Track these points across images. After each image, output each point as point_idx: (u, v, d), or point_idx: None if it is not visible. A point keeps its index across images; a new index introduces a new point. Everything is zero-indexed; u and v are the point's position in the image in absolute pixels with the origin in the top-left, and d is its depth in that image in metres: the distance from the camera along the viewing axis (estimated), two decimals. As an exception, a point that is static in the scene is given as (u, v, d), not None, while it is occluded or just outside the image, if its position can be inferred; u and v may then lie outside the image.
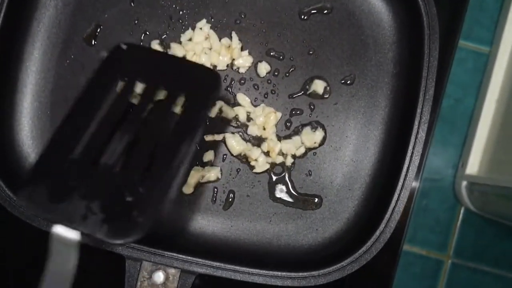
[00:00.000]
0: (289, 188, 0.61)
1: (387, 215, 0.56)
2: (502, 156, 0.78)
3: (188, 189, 0.60)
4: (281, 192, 0.61)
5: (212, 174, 0.60)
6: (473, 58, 0.86)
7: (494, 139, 0.81)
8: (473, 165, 0.82)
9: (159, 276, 0.55)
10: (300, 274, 0.56)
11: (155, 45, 0.61)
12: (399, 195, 0.56)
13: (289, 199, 0.61)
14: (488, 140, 0.81)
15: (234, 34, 0.61)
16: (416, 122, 0.57)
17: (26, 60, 0.60)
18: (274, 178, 0.61)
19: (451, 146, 0.86)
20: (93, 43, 0.61)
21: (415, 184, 0.66)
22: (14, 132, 0.59)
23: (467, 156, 0.82)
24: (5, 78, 0.59)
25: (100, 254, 0.57)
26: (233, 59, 0.61)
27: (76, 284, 0.66)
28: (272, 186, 0.61)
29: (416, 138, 0.57)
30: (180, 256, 0.55)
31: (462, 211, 0.86)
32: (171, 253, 0.55)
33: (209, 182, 0.61)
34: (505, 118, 0.80)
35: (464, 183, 0.82)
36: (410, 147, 0.57)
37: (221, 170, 0.61)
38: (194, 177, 0.60)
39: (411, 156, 0.57)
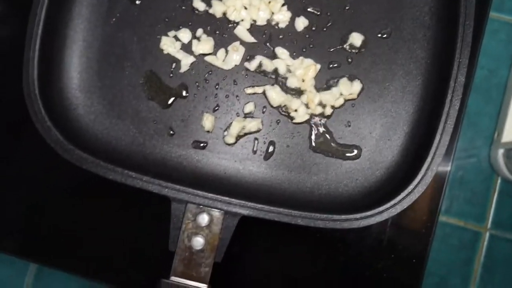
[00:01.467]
0: (328, 139, 0.62)
1: (428, 159, 0.56)
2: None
3: (230, 139, 0.62)
4: (320, 142, 0.62)
5: (254, 124, 0.62)
6: (506, 29, 0.86)
7: (529, 108, 0.80)
8: (509, 133, 0.81)
9: (204, 218, 0.56)
10: (343, 216, 0.56)
11: (198, 3, 0.63)
12: (439, 139, 0.56)
13: (329, 150, 0.62)
14: (524, 109, 0.81)
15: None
16: (455, 67, 0.57)
17: (75, 18, 0.63)
18: (314, 128, 0.62)
19: (486, 116, 0.86)
20: (137, 2, 0.64)
21: (448, 159, 0.67)
22: (64, 85, 0.62)
23: (502, 125, 0.82)
24: (56, 35, 0.62)
25: (145, 197, 0.59)
26: (273, 14, 0.63)
27: (123, 228, 0.68)
28: (311, 137, 0.62)
29: (455, 82, 0.57)
30: (224, 198, 0.56)
31: (499, 181, 0.85)
32: (214, 195, 0.56)
33: (250, 133, 0.62)
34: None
35: (501, 151, 0.82)
36: (450, 91, 0.57)
37: (262, 121, 0.62)
38: (236, 127, 0.61)
39: (451, 100, 0.57)
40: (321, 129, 0.62)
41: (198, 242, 0.56)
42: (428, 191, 0.65)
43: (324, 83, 0.63)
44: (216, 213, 0.56)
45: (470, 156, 0.86)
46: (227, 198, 0.56)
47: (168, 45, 0.62)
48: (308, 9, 0.64)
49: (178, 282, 0.56)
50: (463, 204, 0.85)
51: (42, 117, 0.57)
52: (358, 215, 0.56)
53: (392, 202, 0.56)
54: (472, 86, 0.70)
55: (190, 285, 0.56)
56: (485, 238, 0.84)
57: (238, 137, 0.62)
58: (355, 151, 0.62)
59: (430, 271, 0.82)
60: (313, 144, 0.62)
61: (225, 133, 0.62)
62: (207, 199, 0.56)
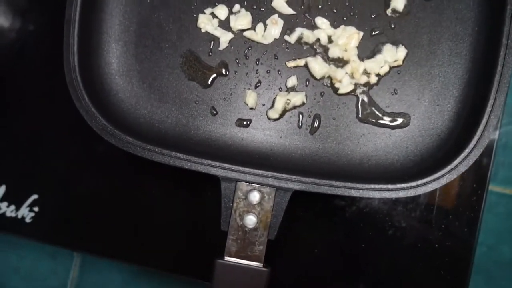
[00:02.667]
0: (375, 108, 0.60)
1: (483, 121, 0.54)
2: None
3: (274, 114, 0.60)
4: (367, 112, 0.60)
5: (298, 98, 0.60)
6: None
7: None
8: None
9: (255, 196, 0.55)
10: (398, 185, 0.54)
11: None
12: (495, 98, 0.54)
13: (376, 119, 0.60)
14: None
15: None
16: (507, 24, 0.55)
17: (110, 1, 0.62)
18: (360, 98, 0.61)
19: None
20: (171, -19, 0.63)
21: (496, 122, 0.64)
22: (103, 71, 0.61)
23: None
24: (92, 21, 0.61)
25: (195, 177, 0.58)
26: (310, -17, 0.61)
27: (175, 209, 0.67)
28: (358, 107, 0.61)
29: (508, 39, 0.55)
30: (274, 174, 0.55)
31: (546, 145, 0.82)
32: (264, 172, 0.55)
33: (295, 107, 0.61)
34: None
35: (547, 114, 0.79)
36: (503, 50, 0.55)
37: (306, 94, 0.61)
38: (280, 102, 0.60)
39: (504, 58, 0.55)
40: (367, 99, 0.61)
41: (251, 220, 0.55)
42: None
43: (367, 51, 0.61)
44: (267, 189, 0.55)
45: (513, 121, 0.83)
46: (278, 174, 0.55)
47: (206, 23, 0.61)
48: (346, -24, 0.62)
49: (233, 262, 0.55)
50: (508, 171, 0.83)
51: (86, 103, 0.56)
52: (414, 183, 0.54)
53: (449, 168, 0.55)
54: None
55: (246, 265, 0.55)
56: (534, 204, 0.82)
57: (283, 112, 0.61)
58: (404, 119, 0.60)
59: (478, 241, 0.80)
60: (360, 114, 0.61)
61: (269, 109, 0.61)
62: (258, 176, 0.55)
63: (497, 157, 0.82)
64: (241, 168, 0.55)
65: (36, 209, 0.70)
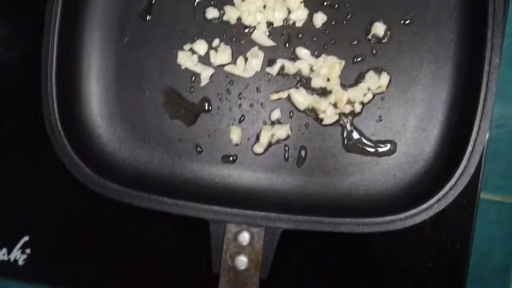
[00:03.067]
0: (361, 137, 0.60)
1: (469, 147, 0.54)
2: None
3: (259, 149, 0.60)
4: (353, 141, 0.60)
5: (283, 131, 0.60)
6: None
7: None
8: (542, 100, 0.78)
9: (244, 237, 0.55)
10: (387, 218, 0.54)
11: (211, 11, 0.61)
12: (479, 125, 0.54)
13: (363, 148, 0.60)
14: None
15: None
16: (488, 48, 0.54)
17: (87, 43, 0.61)
18: (345, 128, 0.60)
19: (515, 85, 0.82)
20: (147, 18, 0.62)
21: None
22: (84, 115, 0.60)
23: (534, 92, 0.79)
24: (70, 65, 0.60)
25: (184, 220, 0.58)
26: (289, 13, 0.60)
27: (166, 250, 0.67)
28: (343, 137, 0.60)
29: (490, 65, 0.54)
30: (264, 213, 0.55)
31: (534, 150, 0.82)
32: (252, 212, 0.55)
33: (280, 140, 0.60)
34: None
35: (534, 120, 0.79)
36: (485, 75, 0.54)
37: (290, 127, 0.60)
38: (265, 136, 0.59)
39: (487, 84, 0.54)
40: (352, 128, 0.60)
41: (242, 261, 0.55)
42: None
43: (350, 79, 0.60)
44: (257, 229, 0.55)
45: (501, 127, 0.83)
46: (266, 214, 0.55)
47: (185, 59, 0.60)
48: (325, 3, 0.61)
49: (227, 303, 0.55)
50: (499, 178, 0.83)
51: (68, 152, 0.56)
52: (403, 215, 0.54)
53: (437, 197, 0.55)
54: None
55: (240, 305, 0.55)
56: (525, 210, 0.82)
57: (268, 146, 0.60)
58: (390, 146, 0.60)
59: (471, 250, 0.80)
60: (346, 144, 0.60)
61: (254, 143, 0.60)
62: (246, 217, 0.55)
63: (487, 164, 0.82)
64: (229, 210, 0.55)
65: (28, 251, 0.70)
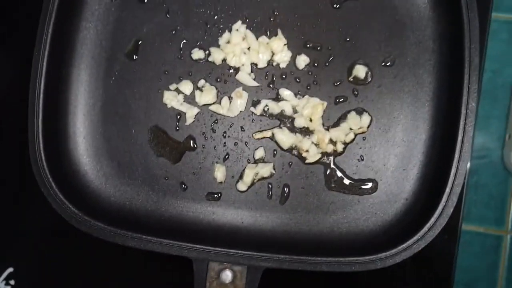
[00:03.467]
0: (343, 176, 0.61)
1: (448, 190, 0.56)
2: (550, 122, 0.76)
3: (243, 187, 0.61)
4: (335, 180, 0.61)
5: (266, 170, 0.61)
6: (506, 28, 0.85)
7: (539, 107, 0.79)
8: (521, 135, 0.80)
9: (227, 275, 0.56)
10: (368, 258, 0.55)
11: (197, 52, 0.62)
12: (457, 167, 0.56)
13: (344, 186, 0.61)
14: (533, 108, 0.80)
15: (279, 32, 0.62)
16: (465, 93, 0.56)
17: (74, 82, 0.62)
18: (327, 167, 0.61)
19: (495, 119, 0.84)
20: (134, 57, 0.63)
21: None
22: (70, 153, 0.61)
23: (513, 127, 0.81)
24: (57, 103, 0.61)
25: (167, 259, 0.58)
26: (273, 55, 0.62)
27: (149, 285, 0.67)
28: (325, 176, 0.61)
29: (467, 109, 0.56)
30: (246, 252, 0.56)
31: (515, 183, 0.84)
32: (235, 251, 0.56)
33: (263, 178, 0.61)
34: (548, 84, 0.78)
35: (514, 154, 0.81)
36: (462, 119, 0.56)
37: (274, 165, 0.61)
38: (249, 175, 0.61)
39: (465, 128, 0.56)
40: (334, 167, 0.61)
41: (225, 299, 0.56)
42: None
43: (333, 119, 0.62)
44: (239, 268, 0.56)
45: (483, 160, 0.85)
46: (248, 253, 0.56)
47: (171, 99, 0.62)
48: (308, 46, 0.62)
49: None
50: (481, 209, 0.84)
51: (54, 191, 0.56)
52: (383, 255, 0.55)
53: (416, 237, 0.56)
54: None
55: None
56: (507, 242, 0.84)
57: (252, 184, 0.61)
58: (371, 185, 0.61)
59: (455, 281, 0.81)
60: (328, 182, 0.61)
61: (238, 181, 0.61)
62: (229, 256, 0.56)
63: (470, 195, 0.83)
64: (212, 249, 0.56)
65: (12, 282, 0.70)
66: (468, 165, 0.68)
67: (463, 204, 0.70)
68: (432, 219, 0.56)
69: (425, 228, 0.56)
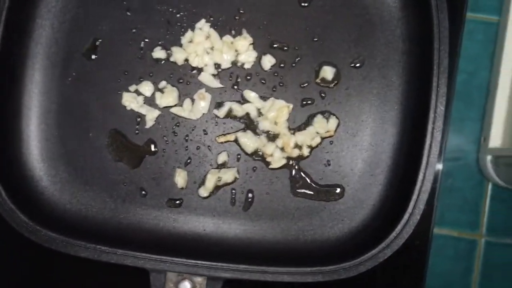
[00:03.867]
0: (309, 181, 0.59)
1: (415, 196, 0.54)
2: (525, 125, 0.75)
3: (205, 192, 0.58)
4: (301, 186, 0.59)
5: (229, 175, 0.58)
6: (482, 29, 0.83)
7: (514, 109, 0.78)
8: (496, 138, 0.79)
9: (185, 286, 0.54)
10: (331, 267, 0.53)
11: (158, 52, 0.59)
12: (424, 173, 0.54)
13: (310, 192, 0.59)
14: (509, 111, 0.78)
15: (244, 31, 0.59)
16: (434, 96, 0.54)
17: (27, 83, 0.59)
18: (293, 172, 0.59)
19: (470, 121, 0.83)
20: (92, 57, 0.60)
21: (438, 164, 0.64)
22: (23, 157, 0.58)
23: (488, 129, 0.79)
24: (9, 105, 0.58)
25: (123, 271, 0.56)
26: (237, 55, 0.59)
27: None
28: (291, 181, 0.59)
29: (435, 113, 0.54)
30: (205, 263, 0.53)
31: (489, 187, 0.82)
32: (195, 261, 0.53)
33: (227, 184, 0.59)
34: (523, 86, 0.77)
35: (489, 157, 0.79)
36: (430, 123, 0.54)
37: (237, 170, 0.59)
38: (211, 180, 0.58)
39: (432, 132, 0.54)
40: (300, 172, 0.59)
41: (183, 311, 0.53)
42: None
43: (298, 122, 0.60)
44: (199, 278, 0.54)
45: (458, 163, 0.83)
46: (208, 263, 0.53)
47: (130, 100, 0.59)
48: (274, 46, 0.60)
49: None
50: (455, 213, 0.83)
51: (3, 199, 0.53)
52: (347, 265, 0.53)
53: (383, 245, 0.54)
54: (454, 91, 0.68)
55: None
56: (481, 246, 0.82)
57: (214, 190, 0.59)
58: (338, 190, 0.59)
59: (428, 285, 0.80)
60: (293, 188, 0.59)
61: (200, 187, 0.59)
62: (187, 266, 0.53)
63: (443, 199, 0.82)
64: (169, 259, 0.53)
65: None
66: (441, 167, 0.66)
67: (435, 209, 0.68)
68: (399, 227, 0.54)
69: (391, 237, 0.54)
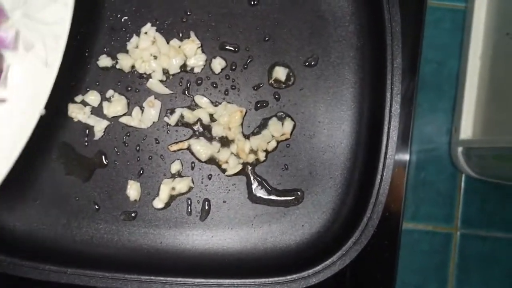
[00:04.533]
0: (267, 187, 0.57)
1: (372, 200, 0.52)
2: (495, 115, 0.73)
3: (160, 204, 0.56)
4: (259, 192, 0.57)
5: (183, 184, 0.56)
6: (450, 17, 0.81)
7: (483, 99, 0.76)
8: (467, 129, 0.77)
9: (140, 303, 0.52)
10: (289, 277, 0.52)
11: (104, 59, 0.57)
12: (381, 176, 0.52)
13: (269, 198, 0.57)
14: (478, 100, 0.76)
15: (192, 34, 0.57)
16: (388, 95, 0.52)
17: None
18: (249, 178, 0.57)
19: (441, 112, 0.81)
20: (36, 67, 0.57)
21: (406, 157, 0.62)
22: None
23: (458, 120, 0.77)
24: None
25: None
26: (186, 59, 0.57)
27: None
28: (248, 187, 0.57)
29: (390, 112, 0.52)
30: (159, 278, 0.52)
31: (463, 178, 0.81)
32: (148, 277, 0.52)
33: (182, 194, 0.57)
34: (491, 74, 0.75)
35: (460, 149, 0.77)
36: (386, 123, 0.52)
37: (192, 179, 0.57)
38: (165, 191, 0.56)
39: (388, 132, 0.52)
40: (257, 178, 0.57)
41: (138, 328, 0.52)
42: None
43: (253, 126, 0.57)
44: (153, 294, 0.52)
45: (430, 154, 0.81)
46: (162, 278, 0.52)
47: (77, 112, 0.56)
48: (225, 47, 0.58)
49: None
50: (430, 207, 0.81)
51: None
52: (306, 273, 0.52)
53: (341, 252, 0.52)
54: (419, 84, 0.66)
55: None
56: (456, 239, 0.81)
57: (170, 200, 0.57)
58: (297, 195, 0.57)
59: (405, 282, 0.79)
60: (251, 195, 0.57)
61: (154, 198, 0.57)
62: (140, 283, 0.51)
63: (416, 193, 0.80)
64: (122, 276, 0.52)
65: None
66: (409, 163, 0.64)
67: (403, 208, 0.66)
68: (357, 233, 0.52)
69: (350, 243, 0.52)
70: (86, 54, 0.57)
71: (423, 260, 0.81)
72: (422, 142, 0.81)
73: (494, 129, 0.73)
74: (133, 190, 0.56)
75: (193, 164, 0.57)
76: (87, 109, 0.57)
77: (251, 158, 0.57)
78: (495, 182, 0.77)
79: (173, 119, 0.57)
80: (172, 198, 0.57)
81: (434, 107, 0.81)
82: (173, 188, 0.56)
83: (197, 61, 0.57)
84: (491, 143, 0.72)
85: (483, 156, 0.74)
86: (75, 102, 0.57)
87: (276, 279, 0.51)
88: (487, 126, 0.74)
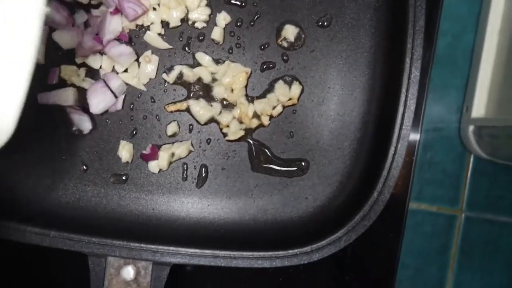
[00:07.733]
0: (269, 155, 0.53)
1: (384, 173, 0.48)
2: (511, 93, 0.69)
3: (156, 168, 0.52)
4: (261, 160, 0.53)
5: (183, 149, 0.52)
6: (469, -14, 0.76)
7: (500, 76, 0.72)
8: (479, 107, 0.73)
9: (129, 272, 0.48)
10: (290, 252, 0.48)
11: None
12: (395, 148, 0.48)
13: (271, 167, 0.53)
14: (494, 78, 0.73)
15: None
16: (408, 60, 0.48)
17: None
18: (251, 145, 0.53)
19: (453, 89, 0.77)
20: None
21: (415, 135, 0.58)
22: None
23: (471, 98, 0.74)
24: None
25: (61, 256, 0.50)
26: (187, 12, 0.52)
27: None
28: (250, 155, 0.53)
29: (409, 78, 0.48)
30: (149, 246, 0.48)
31: (471, 159, 0.77)
32: (138, 244, 0.48)
33: (180, 158, 0.53)
34: (510, 50, 0.71)
35: (471, 128, 0.74)
36: (404, 90, 0.48)
37: (191, 143, 0.53)
38: (164, 158, 0.52)
39: (406, 101, 0.48)
40: (260, 145, 0.53)
41: (126, 299, 0.48)
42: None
43: (258, 89, 0.53)
44: (143, 263, 0.48)
45: (438, 134, 0.78)
46: (154, 246, 0.48)
47: (70, 74, 0.52)
48: (231, 1, 0.53)
49: None
50: (435, 187, 0.78)
51: None
52: (308, 248, 0.48)
53: (348, 227, 0.49)
54: (434, 58, 0.61)
55: None
56: (460, 222, 0.78)
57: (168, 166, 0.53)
58: (302, 165, 0.53)
59: (404, 264, 0.76)
60: (252, 163, 0.53)
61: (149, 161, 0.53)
62: (130, 250, 0.48)
63: (422, 173, 0.77)
64: (110, 242, 0.48)
65: None
66: (419, 139, 0.60)
67: (410, 185, 0.63)
68: (366, 207, 0.49)
69: (357, 218, 0.48)
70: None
71: (424, 242, 0.78)
72: (430, 120, 0.78)
73: (508, 108, 0.69)
74: (125, 151, 0.52)
75: (191, 127, 0.53)
76: (82, 70, 0.52)
77: (255, 123, 0.53)
78: (505, 164, 0.74)
79: (171, 77, 0.52)
80: (170, 164, 0.53)
81: (446, 83, 0.77)
82: (173, 154, 0.52)
83: (200, 15, 0.52)
84: (505, 122, 0.68)
85: (496, 136, 0.71)
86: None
87: (276, 252, 0.48)
88: (502, 104, 0.71)
